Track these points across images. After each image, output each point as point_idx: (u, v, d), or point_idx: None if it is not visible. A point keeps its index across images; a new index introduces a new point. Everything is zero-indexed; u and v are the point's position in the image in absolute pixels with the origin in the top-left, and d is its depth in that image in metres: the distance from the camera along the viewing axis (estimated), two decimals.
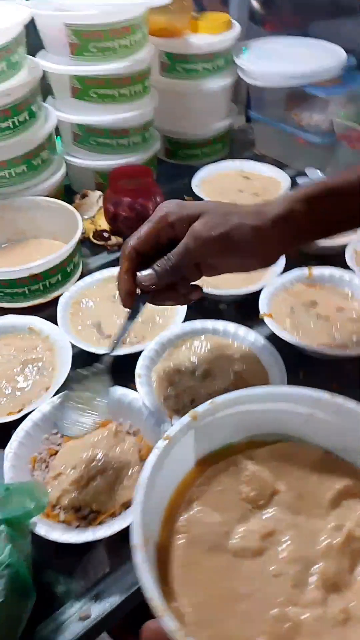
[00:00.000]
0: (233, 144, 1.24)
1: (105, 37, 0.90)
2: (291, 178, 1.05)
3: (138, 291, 0.57)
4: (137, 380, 0.66)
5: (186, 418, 0.37)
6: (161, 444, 0.35)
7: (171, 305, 0.62)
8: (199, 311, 0.79)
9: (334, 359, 0.72)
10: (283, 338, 0.71)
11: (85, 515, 0.54)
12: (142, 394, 0.64)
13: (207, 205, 0.56)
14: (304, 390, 0.39)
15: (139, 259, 0.56)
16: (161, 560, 0.33)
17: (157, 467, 0.34)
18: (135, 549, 0.30)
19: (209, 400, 0.38)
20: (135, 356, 0.69)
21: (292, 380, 0.67)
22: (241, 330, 0.72)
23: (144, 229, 0.56)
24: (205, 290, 0.79)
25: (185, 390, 0.66)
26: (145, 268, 0.55)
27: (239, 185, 1.03)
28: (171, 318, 0.76)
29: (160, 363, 0.70)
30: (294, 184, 1.04)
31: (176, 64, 1.08)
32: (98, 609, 0.52)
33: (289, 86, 1.07)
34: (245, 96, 1.28)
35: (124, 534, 0.51)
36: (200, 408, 0.38)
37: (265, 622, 0.30)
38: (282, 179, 1.04)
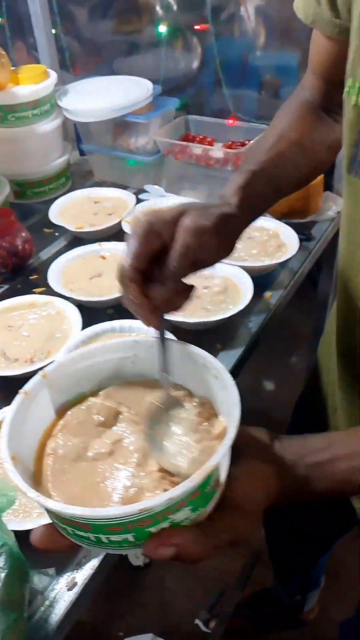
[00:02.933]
0: (74, 177, 1.37)
1: None
2: (135, 194, 1.19)
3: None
4: None
5: (37, 376, 0.45)
6: (19, 397, 0.43)
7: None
8: (92, 321, 0.88)
9: (212, 325, 0.87)
10: (169, 320, 0.84)
11: None
12: None
13: (184, 204, 0.53)
14: (126, 338, 0.49)
15: (142, 277, 0.50)
16: (36, 479, 0.42)
17: (19, 412, 0.42)
18: (5, 463, 0.38)
19: (56, 360, 0.47)
20: None
21: None
22: (136, 323, 0.83)
23: (134, 247, 0.49)
24: (92, 299, 0.90)
25: None
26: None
27: (93, 209, 1.15)
28: (70, 331, 0.85)
29: None
30: (138, 201, 1.19)
31: (8, 114, 1.17)
32: (82, 576, 0.60)
33: (111, 118, 1.22)
34: (74, 133, 1.41)
35: None
36: (48, 367, 0.46)
37: (117, 493, 0.40)
38: (127, 197, 1.18)
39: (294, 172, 0.67)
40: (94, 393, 0.48)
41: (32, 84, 1.19)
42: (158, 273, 0.49)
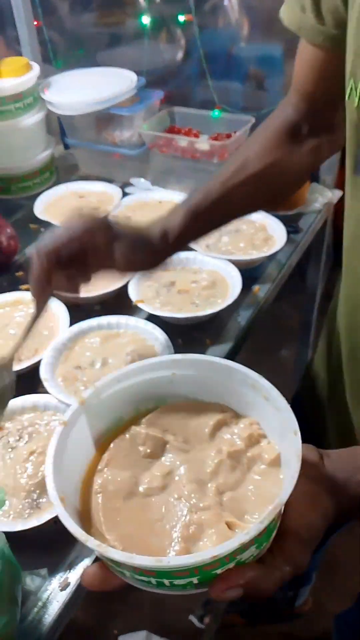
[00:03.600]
0: (59, 171, 1.35)
1: None
2: (121, 188, 1.18)
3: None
4: (45, 384, 0.73)
5: (75, 404, 0.44)
6: (58, 428, 0.42)
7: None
8: (80, 318, 0.87)
9: (200, 320, 0.86)
10: (158, 315, 0.84)
11: None
12: (54, 394, 0.72)
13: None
14: (163, 358, 0.47)
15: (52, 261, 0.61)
16: (84, 520, 0.40)
17: (60, 445, 0.41)
18: (55, 505, 0.37)
19: (93, 385, 0.45)
20: (35, 368, 0.77)
21: (174, 348, 0.79)
22: (123, 319, 0.83)
23: (58, 239, 0.61)
24: (80, 295, 0.89)
25: (89, 381, 0.75)
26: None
27: (78, 204, 1.13)
28: (57, 328, 0.84)
29: (60, 366, 0.78)
30: (124, 194, 1.17)
31: None
32: (74, 576, 0.59)
33: (95, 111, 1.20)
34: (58, 127, 1.39)
35: None
36: (86, 393, 0.44)
37: (176, 531, 0.38)
38: (113, 191, 1.16)
39: (247, 203, 0.71)
40: (134, 419, 0.47)
41: (14, 76, 1.17)
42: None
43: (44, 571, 0.60)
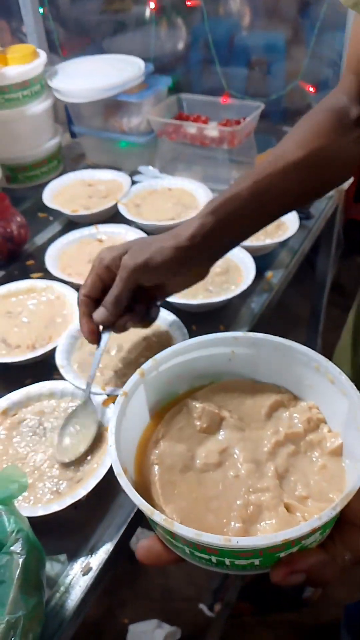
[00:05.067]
0: (66, 160, 1.34)
1: None
2: (130, 176, 1.17)
3: (101, 327, 0.67)
4: (61, 370, 0.73)
5: (135, 375, 0.43)
6: (120, 399, 0.42)
7: (135, 327, 0.69)
8: None
9: (214, 307, 0.85)
10: (171, 302, 0.83)
11: None
12: (70, 380, 0.71)
13: (132, 241, 0.65)
14: (224, 334, 0.46)
15: (93, 303, 0.66)
16: (142, 489, 0.40)
17: (120, 416, 0.40)
18: (119, 477, 0.36)
19: (152, 357, 0.45)
20: (50, 355, 0.76)
21: (189, 334, 0.78)
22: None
23: (88, 278, 0.65)
24: None
25: (106, 366, 0.75)
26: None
27: (87, 192, 1.13)
28: (71, 315, 0.84)
29: (75, 353, 0.77)
30: (133, 182, 1.16)
31: None
32: (96, 561, 0.59)
33: (103, 98, 1.19)
34: (65, 115, 1.38)
35: (97, 495, 0.59)
36: (145, 365, 0.44)
37: (234, 511, 0.38)
38: (122, 179, 1.15)
39: (284, 197, 0.63)
40: (188, 393, 0.46)
41: (21, 64, 1.16)
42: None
43: (62, 557, 0.60)
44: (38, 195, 1.14)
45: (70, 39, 1.43)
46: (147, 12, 1.26)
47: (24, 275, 0.98)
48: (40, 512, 0.58)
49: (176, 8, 1.27)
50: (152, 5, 1.26)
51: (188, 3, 1.24)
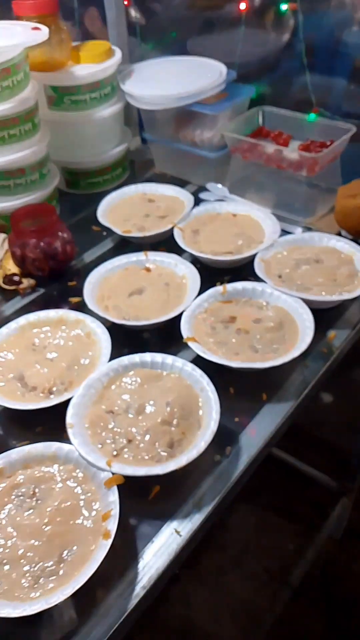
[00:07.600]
0: (133, 166, 1.25)
1: None
2: (194, 194, 1.06)
3: None
4: (69, 431, 0.65)
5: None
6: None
7: None
8: (124, 343, 0.78)
9: (258, 370, 0.74)
10: (208, 359, 0.73)
11: None
12: (76, 446, 0.63)
13: None
14: None
15: None
16: None
17: None
18: None
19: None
20: (65, 404, 0.68)
21: (224, 397, 0.68)
22: (169, 359, 0.72)
23: None
24: (127, 322, 0.80)
25: (120, 432, 0.66)
26: None
27: (145, 210, 1.04)
28: (97, 358, 0.75)
29: (91, 408, 0.69)
30: (197, 200, 1.06)
31: (63, 96, 1.07)
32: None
33: (177, 106, 1.09)
34: (137, 118, 1.29)
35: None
36: None
37: None
38: (184, 198, 1.05)
39: None
40: None
41: (93, 63, 1.08)
42: None
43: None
44: (97, 205, 1.06)
45: (154, 33, 1.33)
46: (238, 12, 1.14)
47: (63, 297, 0.92)
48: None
49: (269, 9, 1.13)
50: (242, 5, 1.13)
51: (284, 6, 1.10)
